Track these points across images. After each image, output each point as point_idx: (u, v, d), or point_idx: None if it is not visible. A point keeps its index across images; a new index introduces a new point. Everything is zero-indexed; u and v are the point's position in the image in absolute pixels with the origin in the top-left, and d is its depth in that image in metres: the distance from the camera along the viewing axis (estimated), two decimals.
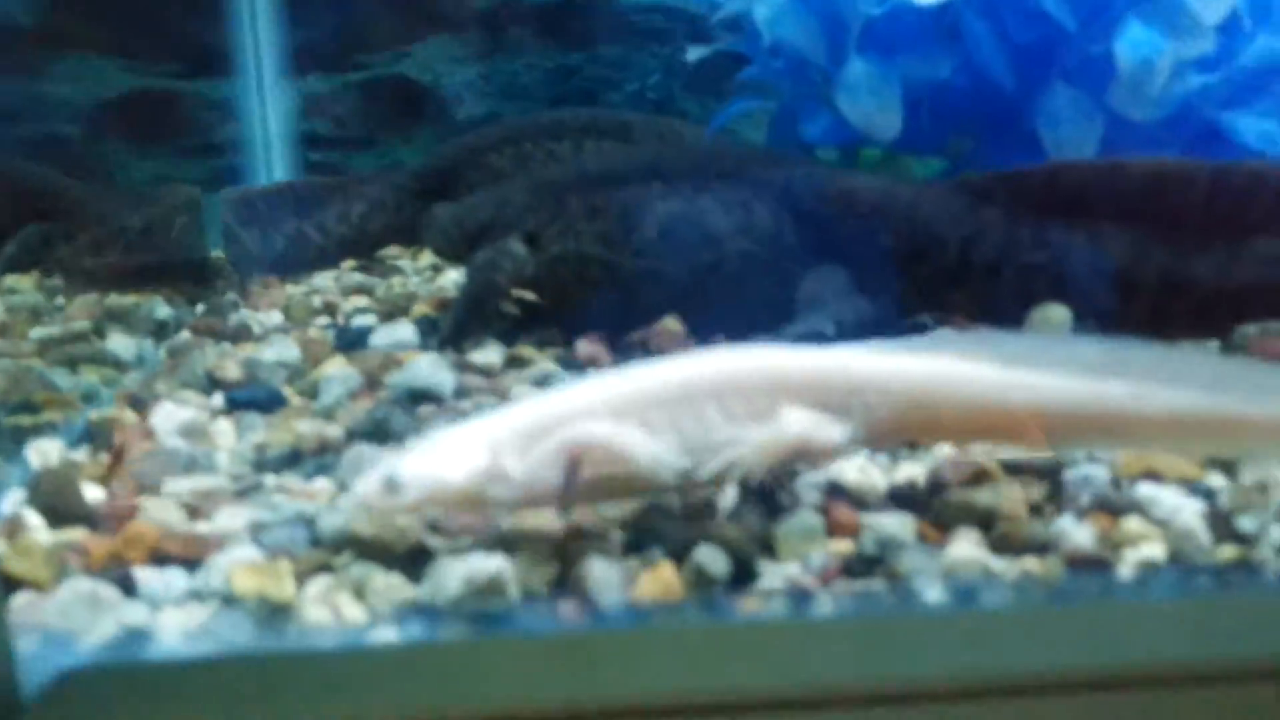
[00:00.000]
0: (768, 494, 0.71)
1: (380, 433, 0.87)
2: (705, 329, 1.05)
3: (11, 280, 1.52)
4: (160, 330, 1.34)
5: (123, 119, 1.97)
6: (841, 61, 1.24)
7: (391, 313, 1.28)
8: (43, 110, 1.93)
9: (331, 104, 2.05)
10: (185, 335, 1.25)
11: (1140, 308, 1.02)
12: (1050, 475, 0.73)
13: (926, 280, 1.06)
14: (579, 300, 1.12)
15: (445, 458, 0.68)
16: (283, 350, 1.11)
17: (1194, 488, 0.72)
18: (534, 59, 2.07)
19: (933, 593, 0.64)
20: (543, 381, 0.99)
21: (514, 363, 1.05)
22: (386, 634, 0.63)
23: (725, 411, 0.68)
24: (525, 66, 2.08)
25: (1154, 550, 0.67)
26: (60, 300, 1.45)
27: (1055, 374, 0.72)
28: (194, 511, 0.77)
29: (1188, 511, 0.69)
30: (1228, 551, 0.67)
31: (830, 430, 0.69)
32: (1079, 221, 1.03)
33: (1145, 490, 0.70)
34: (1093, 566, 0.66)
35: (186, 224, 1.53)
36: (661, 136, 1.70)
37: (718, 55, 1.37)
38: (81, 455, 0.91)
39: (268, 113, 1.98)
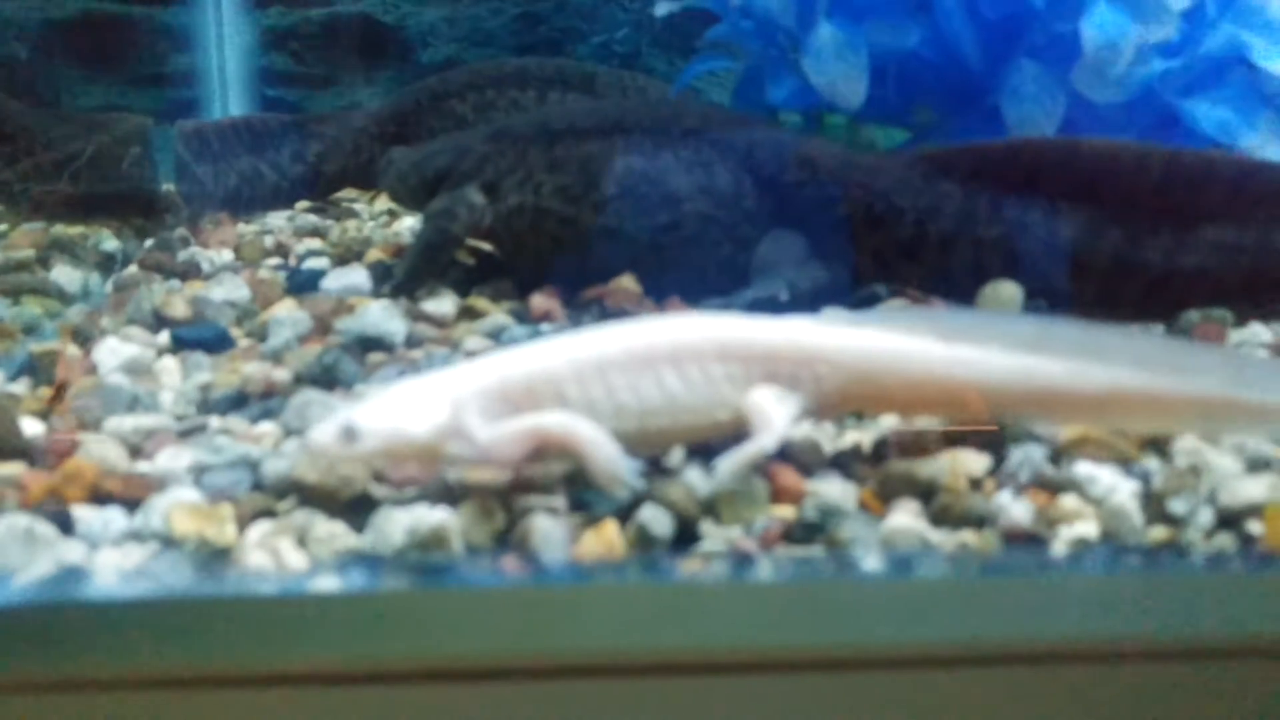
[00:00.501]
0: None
1: (328, 378, 0.86)
2: (661, 289, 1.05)
3: None
4: (107, 263, 1.31)
5: (73, 42, 1.92)
6: (810, 25, 1.23)
7: (345, 257, 1.26)
8: None
9: (292, 39, 2.01)
10: (133, 270, 1.22)
11: (1090, 288, 1.03)
12: (993, 450, 0.75)
13: (882, 250, 1.06)
14: (535, 253, 1.12)
15: (405, 409, 0.68)
16: (232, 290, 1.10)
17: (1130, 468, 0.73)
18: (500, 4, 2.04)
19: (871, 561, 0.65)
20: (495, 334, 0.99)
21: (467, 313, 1.05)
22: (328, 582, 0.63)
23: (682, 378, 0.70)
24: (491, 12, 2.04)
25: (1088, 528, 0.68)
26: (2, 227, 1.41)
27: (998, 350, 0.74)
28: (135, 450, 0.76)
29: (1123, 492, 0.70)
30: (1158, 532, 0.68)
31: (790, 407, 0.71)
32: (1034, 199, 1.04)
33: (1083, 469, 0.72)
34: (1028, 542, 0.68)
35: (137, 155, 1.50)
36: (626, 91, 1.69)
37: (687, 11, 1.35)
38: (21, 388, 0.89)
39: (225, 44, 1.93)
